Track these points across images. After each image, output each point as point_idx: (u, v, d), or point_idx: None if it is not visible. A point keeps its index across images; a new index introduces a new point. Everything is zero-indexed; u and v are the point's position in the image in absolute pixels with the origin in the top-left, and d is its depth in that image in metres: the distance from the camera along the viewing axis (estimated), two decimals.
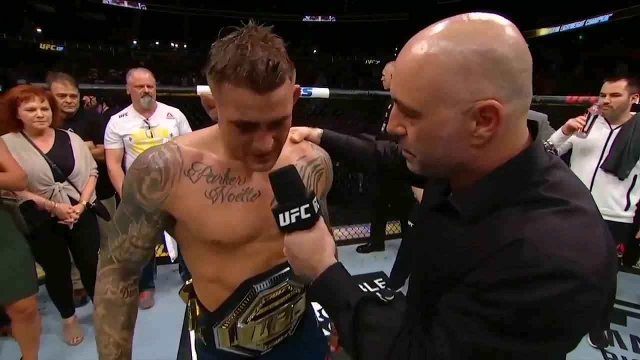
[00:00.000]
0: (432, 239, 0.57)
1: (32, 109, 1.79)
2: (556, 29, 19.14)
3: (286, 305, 0.83)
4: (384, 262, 3.06)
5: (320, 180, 0.87)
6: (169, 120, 2.37)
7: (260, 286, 0.78)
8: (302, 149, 0.86)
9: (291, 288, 0.81)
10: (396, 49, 20.30)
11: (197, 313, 0.86)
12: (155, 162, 0.69)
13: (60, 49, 17.07)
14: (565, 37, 19.32)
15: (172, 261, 2.49)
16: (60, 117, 1.99)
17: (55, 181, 1.89)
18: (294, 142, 0.85)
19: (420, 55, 0.46)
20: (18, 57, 14.59)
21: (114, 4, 18.38)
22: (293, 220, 0.59)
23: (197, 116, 2.75)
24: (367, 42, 21.21)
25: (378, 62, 20.34)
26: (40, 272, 1.92)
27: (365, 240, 3.38)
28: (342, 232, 3.47)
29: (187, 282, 0.89)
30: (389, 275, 2.61)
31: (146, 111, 2.28)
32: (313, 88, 3.10)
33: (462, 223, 0.51)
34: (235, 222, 0.73)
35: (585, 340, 2.10)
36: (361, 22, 22.11)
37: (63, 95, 2.21)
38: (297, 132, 0.88)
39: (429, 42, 0.45)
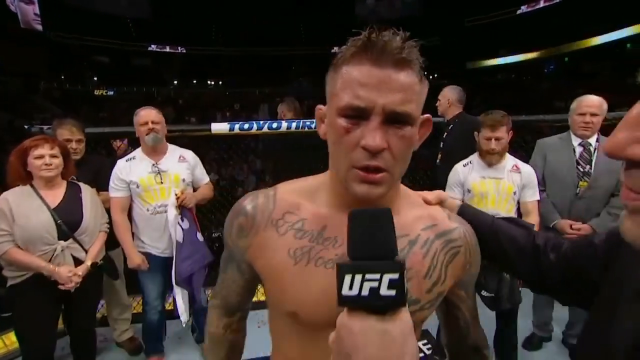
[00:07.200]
0: None
1: (41, 157, 1.67)
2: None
3: None
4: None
5: (453, 263, 0.63)
6: (180, 164, 2.13)
7: None
8: (433, 217, 0.66)
9: None
10: None
11: None
12: (245, 206, 0.67)
13: (110, 93, 19.00)
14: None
15: (183, 325, 2.15)
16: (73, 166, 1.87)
17: (59, 239, 1.71)
18: (427, 202, 0.69)
19: None
20: (78, 102, 16.34)
21: (158, 49, 20.27)
22: (364, 292, 0.38)
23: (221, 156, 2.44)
24: None
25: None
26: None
27: None
28: None
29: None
30: None
31: (155, 153, 2.07)
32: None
33: None
34: (319, 293, 0.58)
35: None
36: None
37: (69, 141, 2.10)
38: (432, 193, 0.71)
39: None
